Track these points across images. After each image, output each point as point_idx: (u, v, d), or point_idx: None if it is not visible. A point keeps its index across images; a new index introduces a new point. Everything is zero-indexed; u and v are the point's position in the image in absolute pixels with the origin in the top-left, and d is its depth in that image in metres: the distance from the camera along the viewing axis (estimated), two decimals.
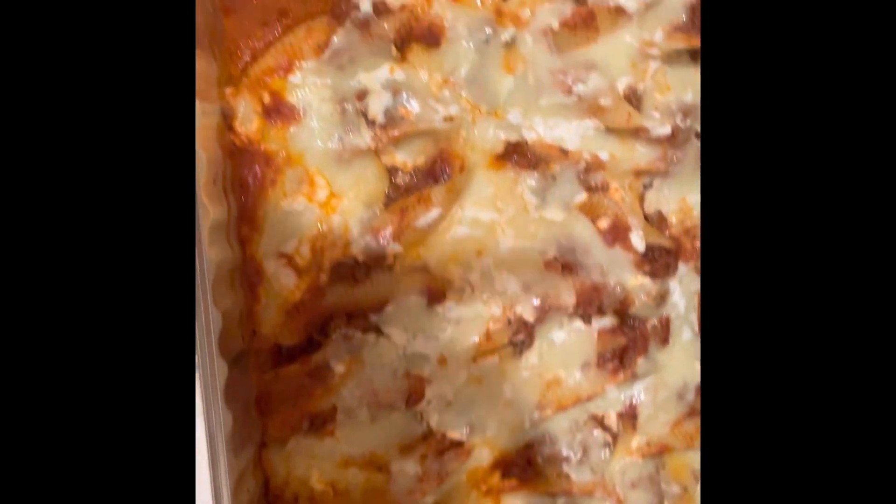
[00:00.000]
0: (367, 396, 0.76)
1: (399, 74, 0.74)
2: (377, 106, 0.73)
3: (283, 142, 0.72)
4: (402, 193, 0.76)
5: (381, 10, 0.73)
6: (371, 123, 0.74)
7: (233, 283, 0.69)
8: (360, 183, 0.75)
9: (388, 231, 0.75)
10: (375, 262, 0.75)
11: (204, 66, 0.65)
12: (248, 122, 0.70)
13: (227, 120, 0.70)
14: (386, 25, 0.73)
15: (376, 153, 0.75)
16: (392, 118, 0.74)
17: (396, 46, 0.74)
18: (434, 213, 0.75)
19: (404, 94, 0.75)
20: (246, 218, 0.72)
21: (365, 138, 0.74)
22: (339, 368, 0.75)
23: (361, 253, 0.75)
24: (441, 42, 0.75)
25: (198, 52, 0.64)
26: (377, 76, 0.74)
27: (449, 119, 0.75)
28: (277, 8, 0.74)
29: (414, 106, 0.75)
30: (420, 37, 0.74)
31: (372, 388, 0.77)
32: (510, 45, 0.77)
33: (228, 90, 0.70)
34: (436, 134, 0.75)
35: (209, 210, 0.63)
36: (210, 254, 0.62)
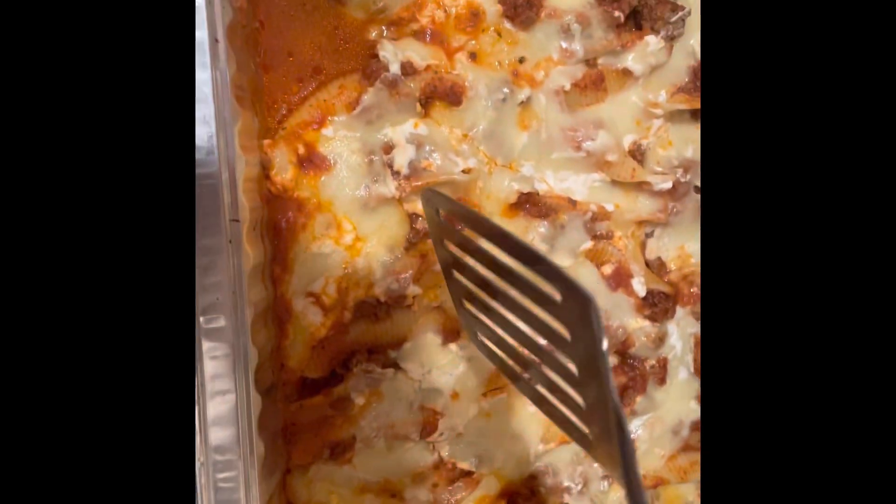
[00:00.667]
0: (384, 427, 0.82)
1: (422, 129, 0.80)
2: (402, 158, 0.79)
3: (315, 189, 0.78)
4: (422, 238, 0.82)
5: (408, 70, 0.79)
6: (396, 174, 0.80)
7: (266, 321, 0.74)
8: (384, 228, 0.81)
9: (408, 273, 0.81)
10: (396, 302, 0.81)
11: (248, 122, 0.71)
12: (284, 171, 0.76)
13: (264, 169, 0.76)
14: (412, 85, 0.79)
15: (399, 201, 0.81)
16: (415, 169, 0.80)
17: (421, 104, 0.81)
18: None
19: (427, 147, 0.81)
20: (278, 259, 0.77)
21: (390, 187, 0.80)
22: (360, 400, 0.81)
23: (384, 293, 0.80)
24: (462, 100, 0.81)
25: (242, 110, 0.70)
26: (402, 130, 0.80)
27: (467, 171, 0.82)
28: (312, 65, 0.81)
29: (435, 158, 0.81)
30: (443, 95, 0.80)
31: (389, 420, 0.82)
32: (525, 103, 0.83)
33: (266, 142, 0.76)
34: (454, 184, 0.82)
35: (250, 255, 0.69)
36: (249, 295, 0.68)
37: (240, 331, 0.67)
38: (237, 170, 0.67)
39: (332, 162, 0.79)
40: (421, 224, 0.82)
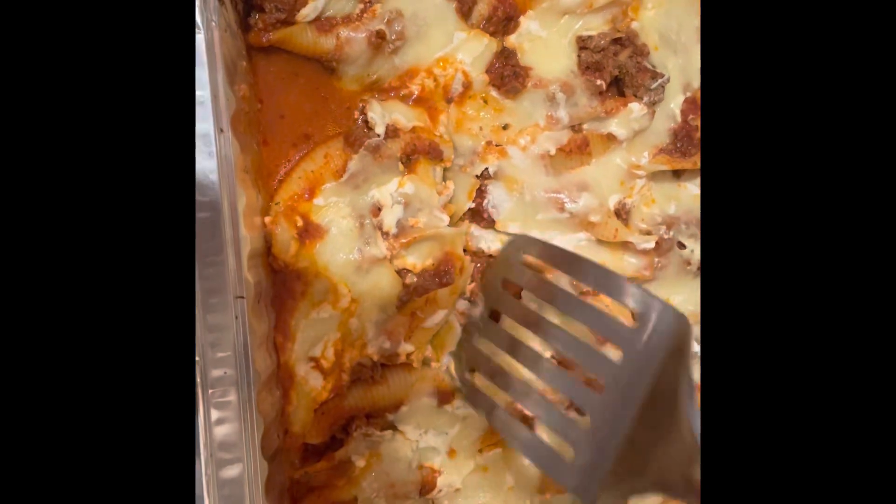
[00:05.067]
0: (384, 487, 0.90)
1: (409, 187, 0.88)
2: (390, 219, 0.87)
3: (312, 258, 0.86)
4: (412, 295, 0.89)
5: (390, 133, 0.88)
6: (385, 234, 0.87)
7: (271, 388, 0.82)
8: (376, 289, 0.88)
9: (400, 331, 0.88)
10: (389, 360, 0.89)
11: (251, 200, 0.79)
12: (286, 245, 0.84)
13: (267, 244, 0.83)
14: (393, 146, 0.88)
15: (390, 261, 0.88)
16: (403, 228, 0.88)
17: (402, 162, 0.89)
18: (440, 314, 0.89)
19: (414, 206, 0.88)
20: (280, 328, 0.85)
21: (381, 248, 0.87)
22: (360, 463, 0.89)
23: (377, 352, 0.88)
24: (443, 157, 0.90)
25: (245, 190, 0.78)
26: (388, 190, 0.88)
27: (454, 224, 0.91)
28: (303, 133, 0.90)
29: (422, 216, 0.89)
30: (423, 151, 0.89)
31: (389, 480, 0.90)
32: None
33: (268, 219, 0.84)
34: (442, 238, 0.89)
35: (255, 328, 0.76)
36: (255, 366, 0.76)
37: (247, 402, 0.74)
38: (242, 250, 0.74)
39: (326, 229, 0.86)
40: (410, 279, 0.89)
